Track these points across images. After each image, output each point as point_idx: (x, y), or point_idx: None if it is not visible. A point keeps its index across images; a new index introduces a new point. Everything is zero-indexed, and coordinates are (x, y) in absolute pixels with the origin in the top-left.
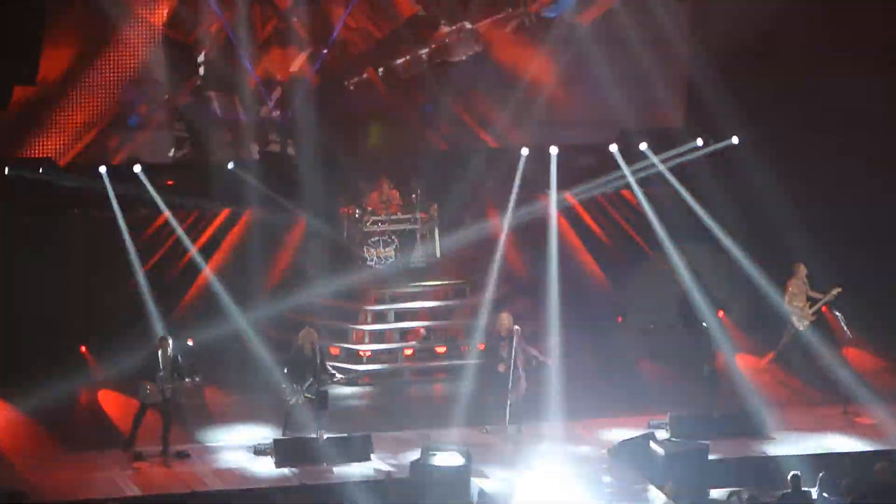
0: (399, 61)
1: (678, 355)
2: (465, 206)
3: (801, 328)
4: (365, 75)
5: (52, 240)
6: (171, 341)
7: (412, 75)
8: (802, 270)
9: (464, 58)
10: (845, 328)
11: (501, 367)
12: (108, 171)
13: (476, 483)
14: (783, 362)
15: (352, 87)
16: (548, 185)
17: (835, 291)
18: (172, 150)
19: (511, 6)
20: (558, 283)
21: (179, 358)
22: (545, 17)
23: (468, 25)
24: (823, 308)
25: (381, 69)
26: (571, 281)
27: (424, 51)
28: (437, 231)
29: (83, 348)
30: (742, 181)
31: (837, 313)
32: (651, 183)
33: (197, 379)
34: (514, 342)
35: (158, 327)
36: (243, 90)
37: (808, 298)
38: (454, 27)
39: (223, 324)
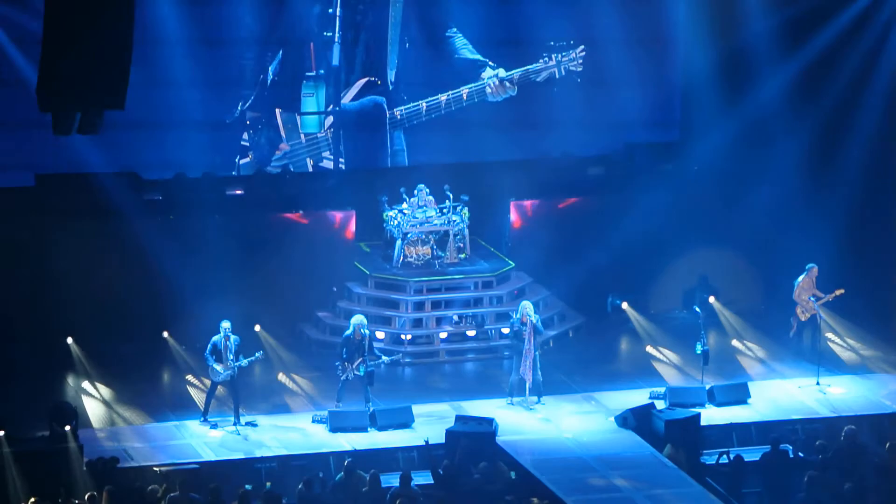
0: (442, 98)
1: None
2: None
3: (803, 319)
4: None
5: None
6: (230, 325)
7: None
8: (814, 272)
9: (499, 99)
10: (827, 297)
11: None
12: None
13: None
14: (792, 344)
15: (398, 115)
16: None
17: (838, 292)
18: (238, 157)
19: (545, 59)
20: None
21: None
22: (573, 70)
23: (504, 72)
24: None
25: (424, 103)
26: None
27: (465, 90)
28: (466, 231)
29: (166, 333)
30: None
31: (839, 291)
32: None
33: (259, 354)
34: (532, 327)
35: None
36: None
37: (813, 296)
38: (493, 74)
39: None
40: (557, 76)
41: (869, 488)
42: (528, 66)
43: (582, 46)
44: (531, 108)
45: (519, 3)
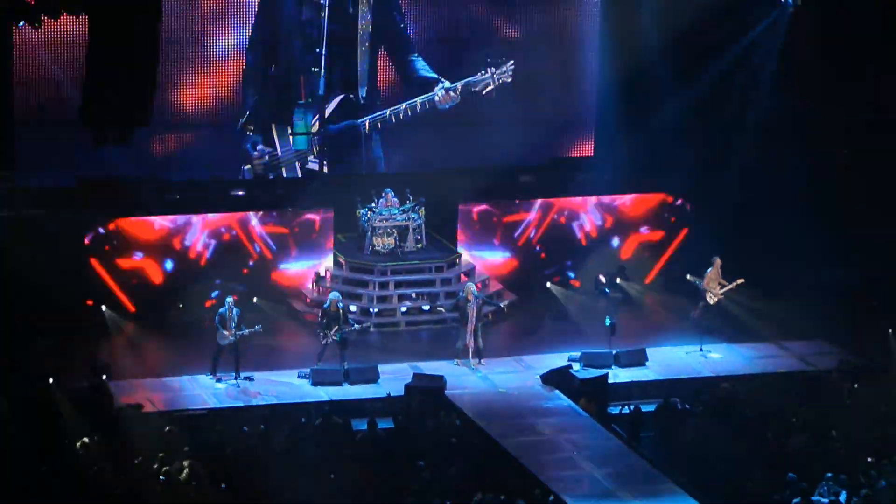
0: (402, 106)
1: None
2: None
3: (711, 303)
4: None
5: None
6: (234, 299)
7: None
8: (718, 262)
9: (447, 107)
10: (731, 286)
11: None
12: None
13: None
14: (699, 326)
15: (367, 126)
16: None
17: (739, 281)
18: (242, 165)
19: (482, 72)
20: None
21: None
22: (505, 82)
23: (447, 84)
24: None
25: (387, 111)
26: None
27: (419, 100)
28: (423, 226)
29: (181, 305)
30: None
31: (740, 280)
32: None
33: (258, 328)
34: (474, 303)
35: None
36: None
37: (719, 284)
38: (457, 87)
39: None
40: (493, 86)
41: (737, 432)
42: (468, 78)
43: (511, 61)
44: (477, 129)
45: (467, 41)
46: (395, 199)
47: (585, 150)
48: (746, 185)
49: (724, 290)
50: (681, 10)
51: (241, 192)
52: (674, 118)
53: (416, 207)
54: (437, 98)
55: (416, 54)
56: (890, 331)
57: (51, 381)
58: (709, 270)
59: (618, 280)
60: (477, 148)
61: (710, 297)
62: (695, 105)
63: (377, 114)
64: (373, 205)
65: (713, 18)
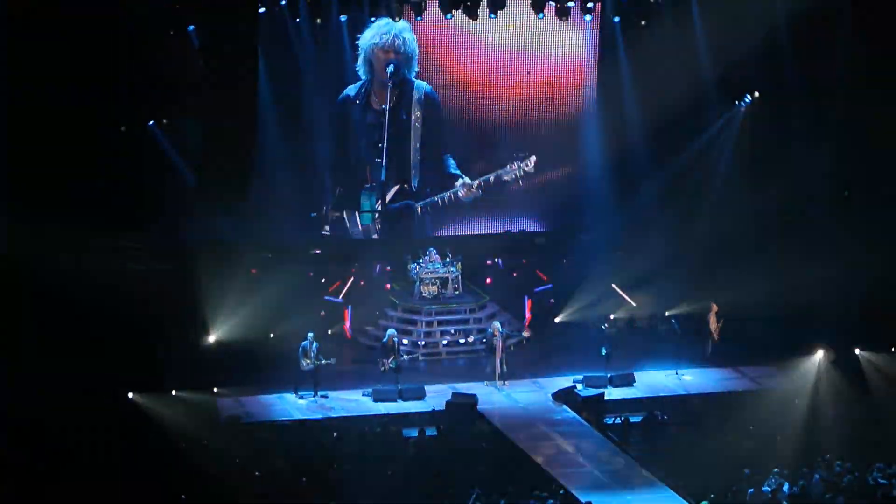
0: (434, 200)
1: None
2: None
3: (717, 339)
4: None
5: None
6: (313, 334)
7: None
8: (714, 308)
9: (469, 199)
10: (719, 324)
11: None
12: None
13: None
14: (705, 358)
15: (419, 211)
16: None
17: (721, 321)
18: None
19: (510, 165)
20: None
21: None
22: (529, 173)
23: (468, 180)
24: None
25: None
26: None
27: (446, 196)
28: (460, 277)
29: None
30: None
31: (721, 321)
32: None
33: (332, 361)
34: (500, 337)
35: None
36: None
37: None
38: (473, 184)
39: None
40: (520, 176)
41: (704, 437)
42: (498, 171)
43: (533, 156)
44: (501, 204)
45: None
46: (438, 256)
47: (585, 217)
48: (706, 244)
49: (718, 326)
50: (658, 108)
51: (318, 251)
52: (650, 196)
53: (455, 263)
54: (459, 193)
55: (447, 154)
56: (819, 359)
57: (174, 393)
58: (710, 314)
59: (612, 317)
60: (501, 218)
61: (715, 335)
62: (665, 187)
63: (427, 200)
64: (420, 261)
65: (684, 113)
